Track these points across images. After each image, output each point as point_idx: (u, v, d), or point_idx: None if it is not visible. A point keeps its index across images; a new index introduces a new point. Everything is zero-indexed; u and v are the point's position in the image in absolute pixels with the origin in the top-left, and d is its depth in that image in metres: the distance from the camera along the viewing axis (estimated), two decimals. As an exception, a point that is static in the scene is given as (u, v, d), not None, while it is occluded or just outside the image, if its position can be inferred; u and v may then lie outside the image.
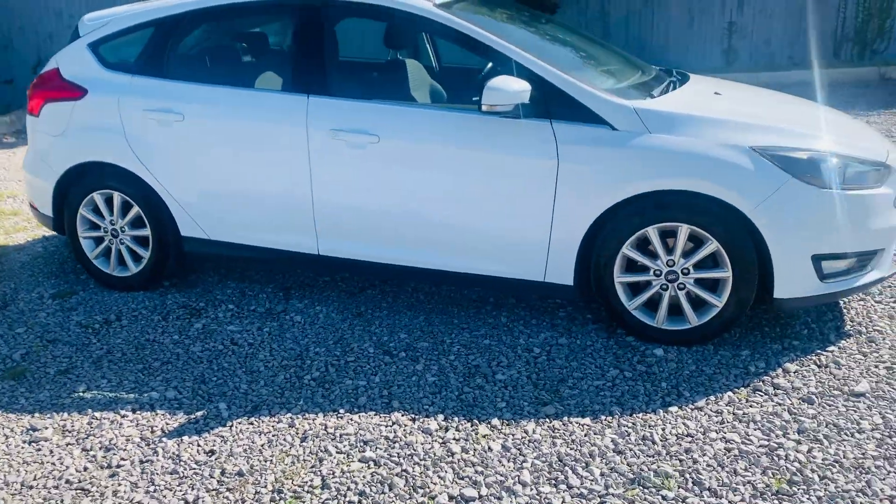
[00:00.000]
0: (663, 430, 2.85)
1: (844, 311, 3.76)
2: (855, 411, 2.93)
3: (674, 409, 2.98)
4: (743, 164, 3.23)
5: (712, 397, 3.06)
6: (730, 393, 3.09)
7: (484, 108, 3.33)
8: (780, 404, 2.99)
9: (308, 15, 3.84)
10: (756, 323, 3.64)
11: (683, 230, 3.32)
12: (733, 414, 2.94)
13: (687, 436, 2.81)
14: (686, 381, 3.19)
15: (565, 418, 2.94)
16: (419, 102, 3.95)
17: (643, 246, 3.41)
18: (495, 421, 2.94)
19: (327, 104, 3.74)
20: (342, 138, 3.67)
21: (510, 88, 3.30)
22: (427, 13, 3.64)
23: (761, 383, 3.15)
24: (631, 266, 3.46)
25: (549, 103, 3.44)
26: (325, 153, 3.72)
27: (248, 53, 4.32)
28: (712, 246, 3.30)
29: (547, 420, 2.94)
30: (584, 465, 2.66)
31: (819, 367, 3.27)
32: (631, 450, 2.74)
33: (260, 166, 3.86)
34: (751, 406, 2.99)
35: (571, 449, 2.75)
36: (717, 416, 2.92)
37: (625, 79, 3.89)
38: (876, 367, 3.24)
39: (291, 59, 3.90)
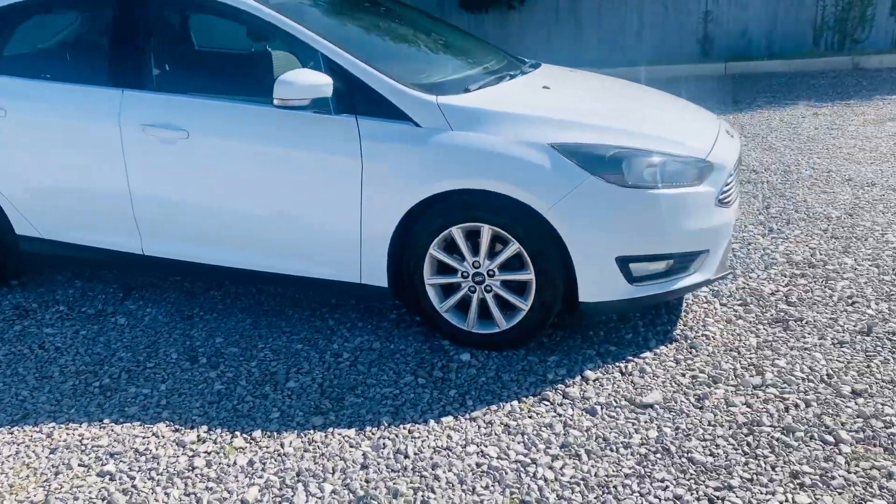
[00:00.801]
0: (423, 442, 2.71)
1: (683, 313, 3.59)
2: (633, 424, 2.77)
3: (448, 419, 2.85)
4: (538, 162, 3.08)
5: (494, 407, 2.91)
6: (515, 402, 2.94)
7: (276, 102, 3.19)
8: (559, 415, 2.84)
9: (121, 7, 3.71)
10: (583, 327, 3.48)
11: (486, 231, 3.17)
12: (505, 425, 2.79)
13: (445, 449, 2.67)
14: (478, 388, 3.04)
15: (331, 430, 2.81)
16: (230, 96, 3.80)
17: (452, 247, 3.27)
18: (257, 433, 2.81)
19: (140, 98, 3.62)
20: (153, 134, 3.56)
21: (303, 82, 3.16)
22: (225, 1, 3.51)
23: (552, 392, 3.00)
24: (443, 268, 3.32)
25: (355, 98, 3.30)
26: (139, 150, 3.60)
27: (72, 47, 4.20)
28: (514, 247, 3.15)
29: (311, 432, 2.81)
30: (320, 481, 2.54)
31: (622, 374, 3.11)
32: (378, 464, 2.61)
33: (81, 164, 3.76)
34: (529, 417, 2.84)
35: (317, 463, 2.63)
36: (486, 428, 2.78)
37: (454, 72, 3.74)
38: (682, 375, 3.09)
39: (108, 53, 3.78)
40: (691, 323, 3.52)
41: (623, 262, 3.13)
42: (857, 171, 5.81)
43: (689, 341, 3.35)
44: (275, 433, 2.81)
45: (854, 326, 3.44)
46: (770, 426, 2.73)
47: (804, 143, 6.73)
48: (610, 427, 2.76)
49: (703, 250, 3.30)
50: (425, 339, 3.45)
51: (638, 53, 11.49)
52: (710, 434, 2.70)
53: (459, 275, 3.29)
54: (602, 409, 2.88)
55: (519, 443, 2.69)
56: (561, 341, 3.40)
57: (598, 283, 3.15)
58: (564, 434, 2.73)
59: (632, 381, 3.06)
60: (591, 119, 3.30)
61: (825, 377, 3.03)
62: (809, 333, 3.39)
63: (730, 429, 2.73)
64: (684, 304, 3.70)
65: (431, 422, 2.84)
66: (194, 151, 3.52)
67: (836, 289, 3.83)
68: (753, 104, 8.53)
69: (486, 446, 2.68)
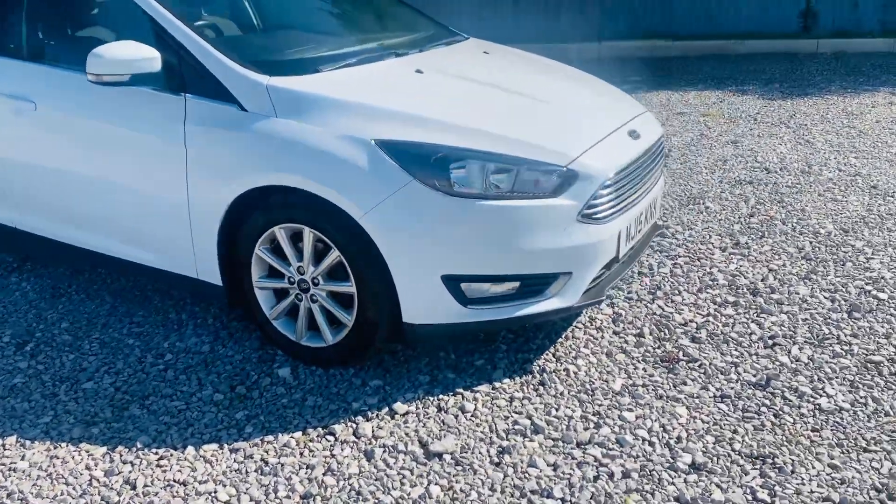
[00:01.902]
0: (164, 473, 2.41)
1: (563, 339, 3.10)
2: (404, 476, 2.36)
3: (211, 447, 2.53)
4: (354, 160, 2.66)
5: (270, 437, 2.57)
6: (299, 434, 2.59)
7: (89, 77, 2.91)
8: (329, 456, 2.47)
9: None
10: (436, 347, 3.07)
11: (307, 234, 2.80)
12: (263, 462, 2.45)
13: (179, 484, 2.36)
14: (271, 412, 2.71)
15: (83, 445, 2.56)
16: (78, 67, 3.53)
17: (282, 248, 2.91)
18: (10, 440, 2.59)
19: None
20: (5, 104, 3.36)
21: (114, 56, 2.86)
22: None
23: (345, 425, 2.62)
24: (274, 271, 2.97)
25: (186, 75, 2.97)
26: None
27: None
28: (335, 255, 2.76)
29: (63, 445, 2.57)
30: (22, 507, 2.28)
31: (438, 411, 2.69)
32: (94, 495, 2.32)
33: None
34: (296, 455, 2.47)
35: (36, 485, 2.37)
36: (240, 464, 2.45)
37: (333, 47, 3.35)
38: (504, 419, 2.63)
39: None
40: (563, 352, 3.02)
41: (451, 282, 2.67)
42: (890, 178, 4.96)
43: (542, 376, 2.87)
44: (25, 443, 2.58)
45: (753, 377, 2.84)
46: (559, 499, 2.24)
47: (849, 140, 5.86)
48: (375, 477, 2.36)
49: (561, 273, 2.79)
50: (260, 346, 3.12)
51: (733, 24, 10.33)
52: (482, 501, 2.25)
53: (287, 280, 2.93)
54: (384, 452, 2.47)
55: (261, 487, 2.34)
56: (404, 361, 2.99)
57: (423, 304, 2.71)
58: (317, 482, 2.35)
59: (441, 421, 2.63)
60: (439, 113, 2.83)
61: (672, 441, 2.50)
62: (693, 380, 2.83)
63: (510, 496, 2.26)
64: (569, 328, 3.19)
65: (190, 448, 2.53)
66: (41, 124, 3.30)
67: (764, 325, 3.21)
68: (823, 90, 7.57)
69: (224, 486, 2.35)
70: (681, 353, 3.00)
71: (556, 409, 2.67)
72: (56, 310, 3.52)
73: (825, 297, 3.41)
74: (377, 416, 2.66)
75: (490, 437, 2.52)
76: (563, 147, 2.80)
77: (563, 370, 2.90)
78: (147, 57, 2.89)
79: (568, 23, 10.50)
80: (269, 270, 2.98)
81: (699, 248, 3.97)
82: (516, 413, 2.66)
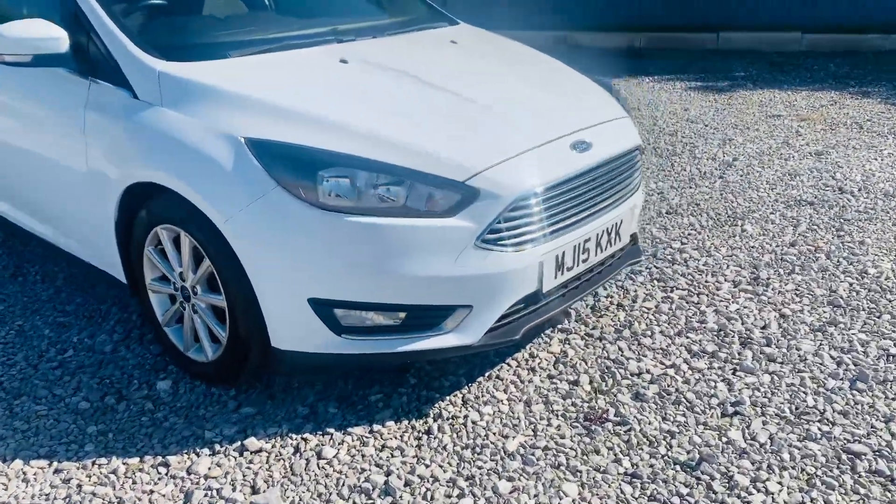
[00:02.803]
0: (-31, 489, 2.23)
1: (482, 380, 2.69)
2: (205, 531, 2.05)
3: (31, 465, 2.33)
4: (220, 160, 2.35)
5: (102, 461, 2.34)
6: (133, 461, 2.34)
7: (-10, 56, 2.76)
8: (146, 492, 2.20)
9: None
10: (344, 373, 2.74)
11: (184, 239, 2.54)
12: (68, 492, 2.22)
13: (-22, 505, 2.17)
14: (119, 431, 2.48)
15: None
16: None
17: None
18: None
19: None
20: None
21: (18, 35, 2.70)
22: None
23: (182, 458, 2.35)
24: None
25: (93, 57, 2.78)
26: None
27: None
28: (207, 263, 2.48)
29: None
30: None
31: (295, 453, 2.35)
32: None
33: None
34: (105, 485, 2.24)
35: None
36: (31, 487, 2.22)
37: (277, 29, 3.06)
38: (359, 473, 2.26)
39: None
40: (475, 394, 2.60)
41: (321, 306, 2.32)
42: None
43: (435, 423, 2.46)
44: None
45: (684, 454, 2.30)
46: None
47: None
48: (175, 527, 2.06)
49: (459, 305, 2.36)
50: (162, 352, 2.90)
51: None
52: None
53: (172, 286, 2.68)
54: (203, 496, 2.17)
55: (53, 519, 2.10)
56: (296, 387, 2.68)
57: (292, 328, 2.38)
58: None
59: (289, 467, 2.29)
60: (336, 111, 2.47)
61: (537, 528, 2.03)
62: (609, 449, 2.34)
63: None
64: (498, 366, 2.76)
65: (18, 462, 2.35)
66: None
67: (734, 387, 2.63)
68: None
69: (18, 513, 2.13)
70: (612, 411, 2.49)
71: (426, 468, 2.25)
72: (5, 290, 3.46)
73: (831, 359, 2.76)
74: (224, 450, 2.35)
75: (327, 496, 2.16)
76: (466, 158, 2.35)
77: (463, 417, 2.48)
78: (51, 37, 2.71)
79: (677, 9, 9.67)
80: (162, 273, 2.73)
81: (706, 280, 3.36)
82: (376, 466, 2.27)
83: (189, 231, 2.46)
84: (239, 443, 2.38)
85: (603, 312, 3.12)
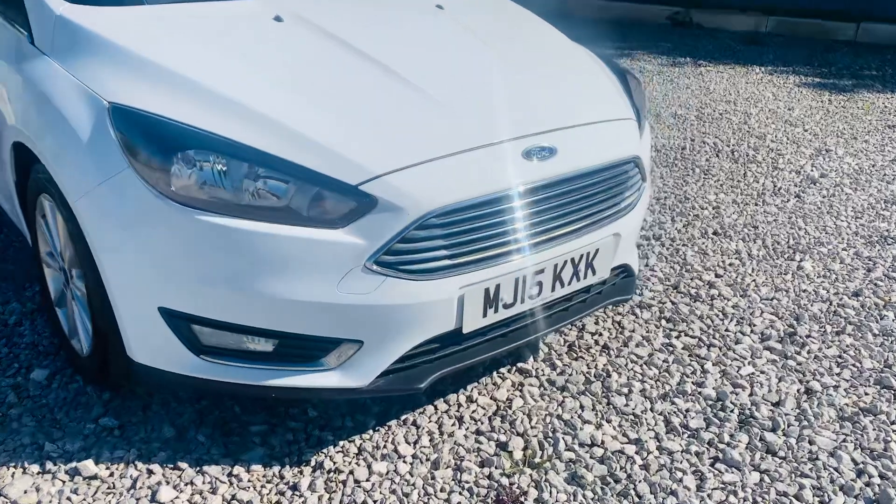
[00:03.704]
0: None
1: (396, 425, 2.21)
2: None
3: None
4: (80, 126, 1.96)
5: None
6: (-47, 467, 2.01)
7: None
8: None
9: None
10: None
11: (58, 214, 2.17)
12: None
13: None
14: (-34, 426, 2.16)
15: None
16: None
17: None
18: None
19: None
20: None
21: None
22: None
23: (5, 475, 1.99)
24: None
25: (9, -7, 2.43)
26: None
27: None
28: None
29: None
30: None
31: (132, 488, 1.96)
32: None
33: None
34: (-87, 497, 1.91)
35: None
36: None
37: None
38: (186, 529, 1.83)
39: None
40: (375, 441, 2.12)
41: (175, 319, 1.89)
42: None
43: (302, 476, 2.00)
44: None
45: None
46: None
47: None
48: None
49: (344, 339, 1.88)
50: (52, 335, 2.57)
51: None
52: None
53: (58, 263, 2.34)
54: (-5, 531, 1.81)
55: None
56: (182, 401, 2.28)
57: (145, 338, 1.97)
58: None
59: (113, 506, 1.89)
60: (230, 82, 2.00)
61: None
62: (503, 551, 1.80)
63: None
64: (425, 408, 2.26)
65: None
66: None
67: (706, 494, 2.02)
68: None
69: None
70: (532, 495, 1.94)
71: (268, 536, 1.80)
72: (-43, 238, 3.24)
73: (851, 464, 2.09)
74: (55, 471, 1.98)
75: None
76: (368, 158, 1.83)
77: (346, 473, 2.00)
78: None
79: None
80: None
81: (725, 329, 2.71)
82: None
83: (57, 205, 2.07)
84: (75, 464, 2.00)
85: (581, 353, 2.53)
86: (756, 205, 3.84)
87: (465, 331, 1.98)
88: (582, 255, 2.15)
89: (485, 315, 2.00)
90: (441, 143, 1.92)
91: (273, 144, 1.83)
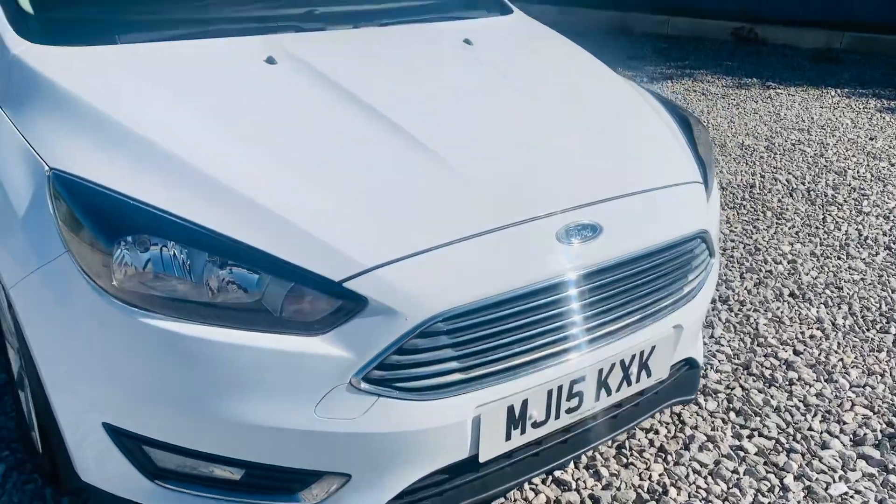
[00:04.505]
0: None
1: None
2: None
3: None
4: (19, 197, 1.61)
5: None
6: None
7: None
8: None
9: None
10: None
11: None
12: None
13: None
14: None
15: None
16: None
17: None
18: None
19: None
20: None
21: None
22: None
23: None
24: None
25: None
26: None
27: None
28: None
29: None
30: None
31: None
32: None
33: None
34: None
35: None
36: None
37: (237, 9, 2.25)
38: None
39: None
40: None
41: (122, 437, 1.53)
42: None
43: None
44: None
45: None
46: None
47: None
48: None
49: (326, 472, 1.49)
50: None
51: None
52: None
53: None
54: None
55: None
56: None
57: (94, 457, 1.61)
58: None
59: None
60: (197, 144, 1.64)
61: None
62: None
63: None
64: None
65: None
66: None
67: None
68: None
69: None
70: None
71: None
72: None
73: None
74: None
75: None
76: (357, 247, 1.44)
77: None
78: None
79: None
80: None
81: (809, 429, 2.24)
82: None
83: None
84: None
85: (632, 459, 2.09)
86: (839, 258, 3.33)
87: (482, 459, 1.57)
88: (634, 356, 1.72)
89: (508, 438, 1.58)
90: (452, 224, 1.51)
91: (242, 228, 1.45)
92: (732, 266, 3.26)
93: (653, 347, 1.76)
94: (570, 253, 1.56)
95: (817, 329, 2.78)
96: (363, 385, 1.43)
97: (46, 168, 1.58)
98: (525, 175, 1.67)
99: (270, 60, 1.94)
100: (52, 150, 1.62)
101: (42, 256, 1.52)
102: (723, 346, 2.66)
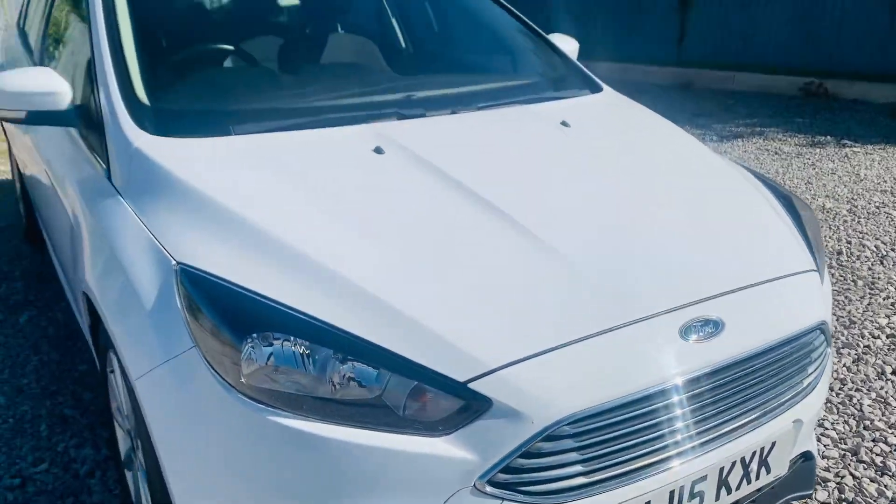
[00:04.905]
0: None
1: None
2: None
3: None
4: (144, 291, 1.67)
5: None
6: None
7: (-18, 110, 2.30)
8: None
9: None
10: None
11: (117, 366, 1.90)
12: None
13: None
14: None
15: None
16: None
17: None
18: None
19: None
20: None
21: (5, 87, 2.21)
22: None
23: None
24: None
25: (93, 118, 2.24)
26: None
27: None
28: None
29: None
30: None
31: None
32: None
33: None
34: None
35: None
36: None
37: (317, 96, 2.33)
38: None
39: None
40: None
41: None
42: None
43: None
44: None
45: None
46: None
47: None
48: None
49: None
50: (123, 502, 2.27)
51: None
52: None
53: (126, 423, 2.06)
54: None
55: None
56: None
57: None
58: None
59: None
60: (313, 237, 1.67)
61: None
62: None
63: None
64: None
65: None
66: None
67: None
68: None
69: None
70: None
71: None
72: (48, 354, 3.07)
73: None
74: None
75: None
76: (481, 345, 1.44)
77: None
78: (50, 91, 2.18)
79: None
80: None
81: None
82: None
83: (122, 368, 1.78)
84: None
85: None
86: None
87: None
88: (754, 453, 1.67)
89: (635, 542, 1.53)
90: (574, 322, 1.50)
91: (366, 325, 1.46)
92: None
93: (773, 444, 1.71)
94: (693, 351, 1.53)
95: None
96: (488, 489, 1.41)
97: (173, 262, 1.62)
98: (641, 268, 1.65)
99: (379, 150, 1.97)
100: (176, 243, 1.67)
101: (169, 350, 1.55)
102: (827, 428, 2.56)
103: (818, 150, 6.37)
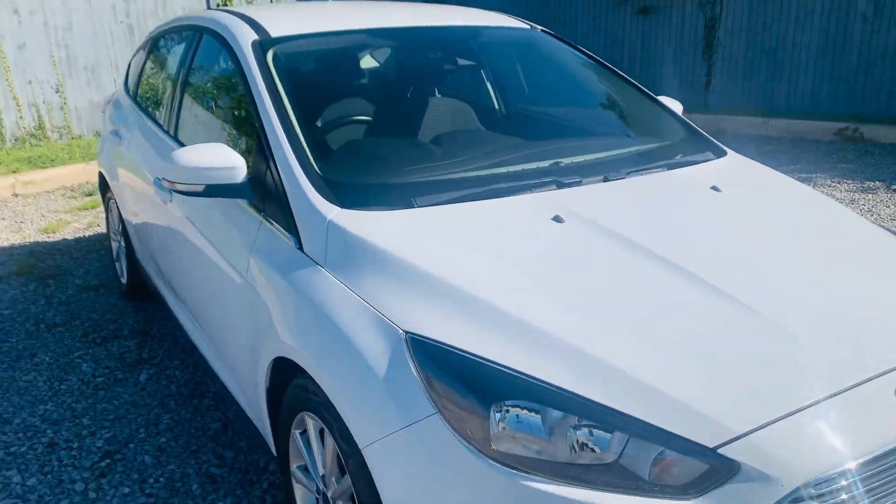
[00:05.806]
0: None
1: None
2: None
3: None
4: (370, 358, 1.76)
5: None
6: None
7: (164, 182, 2.45)
8: None
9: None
10: None
11: (328, 439, 1.99)
12: None
13: None
14: None
15: None
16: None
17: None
18: None
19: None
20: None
21: (189, 162, 2.35)
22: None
23: None
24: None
25: (269, 191, 2.37)
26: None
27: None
28: (348, 481, 1.91)
29: None
30: None
31: None
32: None
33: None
34: None
35: None
36: None
37: (475, 164, 2.45)
38: None
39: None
40: None
41: None
42: None
43: None
44: None
45: None
46: None
47: None
48: None
49: None
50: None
51: None
52: None
53: (315, 487, 2.14)
54: None
55: None
56: None
57: None
58: None
59: None
60: (532, 306, 1.78)
61: None
62: None
63: None
64: None
65: None
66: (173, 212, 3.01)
67: None
68: None
69: None
70: None
71: None
72: (179, 414, 3.15)
73: None
74: None
75: None
76: (723, 411, 1.53)
77: None
78: (227, 166, 2.32)
79: None
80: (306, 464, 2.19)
81: None
82: None
83: (332, 434, 1.87)
84: None
85: None
86: None
87: None
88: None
89: None
90: (806, 384, 1.59)
91: (599, 390, 1.56)
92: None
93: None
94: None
95: None
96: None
97: (400, 331, 1.72)
98: (848, 328, 1.76)
99: (557, 219, 2.09)
100: (398, 311, 1.77)
101: (406, 417, 1.64)
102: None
103: (871, 195, 6.48)
